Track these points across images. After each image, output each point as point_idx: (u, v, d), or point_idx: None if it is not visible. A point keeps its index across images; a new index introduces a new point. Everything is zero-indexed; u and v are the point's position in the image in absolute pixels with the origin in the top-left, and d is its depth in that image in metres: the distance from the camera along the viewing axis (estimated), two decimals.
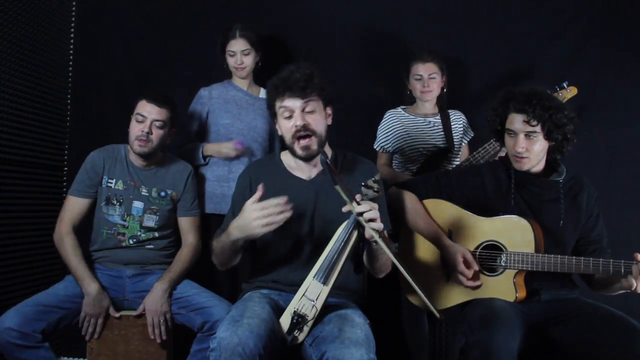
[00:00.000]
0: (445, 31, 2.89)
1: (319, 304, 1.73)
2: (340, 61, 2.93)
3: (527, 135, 1.94)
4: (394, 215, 2.07)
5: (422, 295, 1.73)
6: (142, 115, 2.30)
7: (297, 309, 1.73)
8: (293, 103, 1.87)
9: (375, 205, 1.70)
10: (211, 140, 2.67)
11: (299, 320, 1.72)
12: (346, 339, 1.60)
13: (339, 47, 2.96)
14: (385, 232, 1.94)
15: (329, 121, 1.96)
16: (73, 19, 3.08)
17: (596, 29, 2.79)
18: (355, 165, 2.00)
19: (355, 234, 1.78)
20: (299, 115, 1.87)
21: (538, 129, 1.93)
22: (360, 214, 1.67)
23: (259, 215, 1.69)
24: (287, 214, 1.69)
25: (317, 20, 2.96)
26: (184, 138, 2.67)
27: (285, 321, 1.74)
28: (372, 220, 1.67)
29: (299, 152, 1.89)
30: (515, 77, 2.75)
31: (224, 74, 2.76)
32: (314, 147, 1.88)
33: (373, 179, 1.75)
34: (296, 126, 1.86)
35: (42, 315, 2.09)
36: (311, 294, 1.75)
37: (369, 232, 1.69)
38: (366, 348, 1.60)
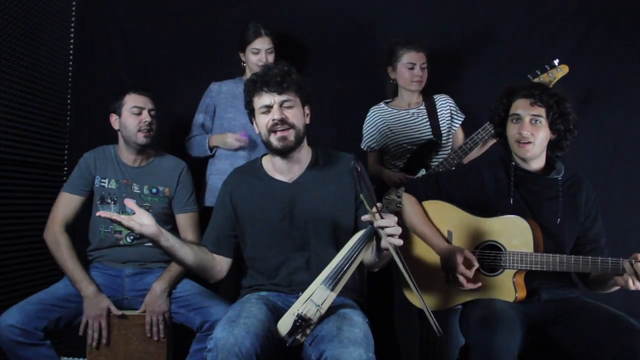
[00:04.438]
0: (437, 16, 2.86)
1: (324, 309, 1.73)
2: (319, 58, 2.93)
3: (533, 120, 1.96)
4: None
5: (426, 310, 1.71)
6: (139, 107, 2.34)
7: (301, 312, 1.72)
8: (271, 98, 1.86)
9: (396, 219, 1.68)
10: (215, 133, 2.70)
11: (302, 323, 1.71)
12: (345, 338, 1.60)
13: (318, 43, 2.94)
14: None
15: (307, 120, 1.95)
16: (73, 19, 3.08)
17: (598, 23, 2.77)
18: (338, 160, 1.99)
19: (370, 245, 1.77)
20: (277, 109, 1.86)
21: (543, 114, 1.96)
22: (382, 227, 1.66)
23: None
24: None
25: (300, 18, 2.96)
26: (191, 130, 2.73)
27: (286, 323, 1.73)
28: (391, 235, 1.66)
29: (276, 143, 1.87)
30: (515, 70, 2.69)
31: (224, 72, 2.77)
32: (292, 138, 1.86)
33: (397, 192, 1.74)
34: (273, 119, 1.85)
35: (43, 314, 2.10)
36: (317, 298, 1.73)
37: (385, 244, 1.67)
38: (364, 347, 1.60)
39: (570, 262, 1.88)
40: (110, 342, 2.23)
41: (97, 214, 1.75)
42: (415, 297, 2.11)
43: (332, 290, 1.74)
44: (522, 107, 1.98)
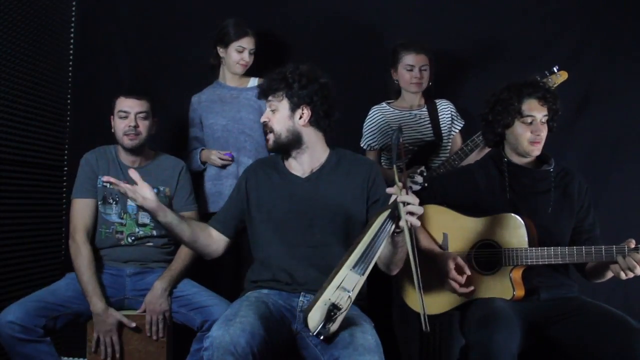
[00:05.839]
0: (438, 21, 2.87)
1: (354, 295, 1.68)
2: (321, 57, 2.87)
3: (542, 120, 2.01)
4: None
5: (421, 302, 1.67)
6: (125, 111, 2.33)
7: (334, 301, 1.66)
8: (264, 101, 1.99)
9: (417, 200, 1.64)
10: (207, 142, 2.71)
11: (335, 312, 1.65)
12: (359, 346, 1.61)
13: (321, 43, 2.94)
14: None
15: (302, 122, 1.93)
16: (73, 19, 3.09)
17: (598, 24, 2.78)
18: (354, 161, 2.00)
19: (393, 225, 1.70)
20: (265, 113, 1.98)
21: (547, 113, 2.01)
22: (404, 203, 1.62)
23: None
24: None
25: (298, 16, 2.96)
26: (188, 145, 2.73)
27: (318, 314, 1.66)
28: (411, 213, 1.62)
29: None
30: (512, 69, 2.72)
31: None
32: (270, 142, 1.97)
33: (420, 169, 1.72)
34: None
35: (43, 311, 2.10)
36: (349, 284, 1.67)
37: (402, 223, 1.63)
38: (379, 355, 1.62)
39: (565, 253, 1.89)
40: (123, 356, 2.22)
41: (104, 178, 1.86)
42: (410, 298, 2.13)
43: (362, 274, 1.69)
44: (535, 108, 2.00)
